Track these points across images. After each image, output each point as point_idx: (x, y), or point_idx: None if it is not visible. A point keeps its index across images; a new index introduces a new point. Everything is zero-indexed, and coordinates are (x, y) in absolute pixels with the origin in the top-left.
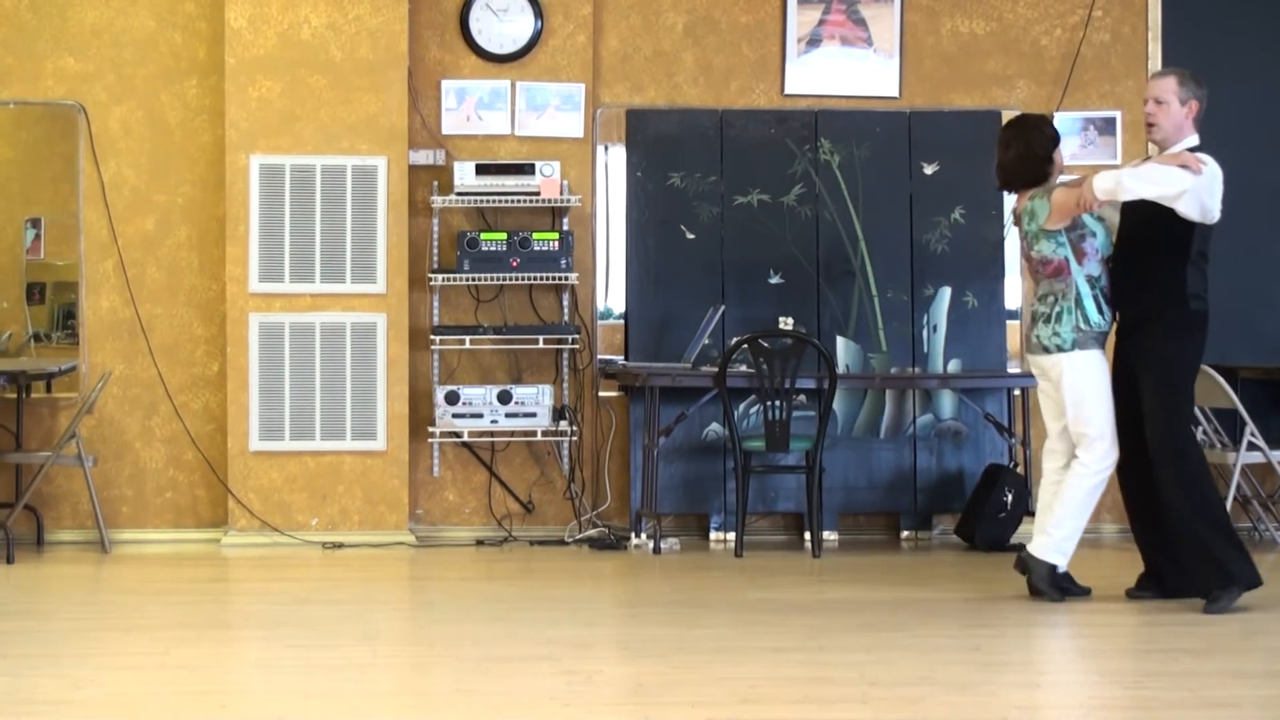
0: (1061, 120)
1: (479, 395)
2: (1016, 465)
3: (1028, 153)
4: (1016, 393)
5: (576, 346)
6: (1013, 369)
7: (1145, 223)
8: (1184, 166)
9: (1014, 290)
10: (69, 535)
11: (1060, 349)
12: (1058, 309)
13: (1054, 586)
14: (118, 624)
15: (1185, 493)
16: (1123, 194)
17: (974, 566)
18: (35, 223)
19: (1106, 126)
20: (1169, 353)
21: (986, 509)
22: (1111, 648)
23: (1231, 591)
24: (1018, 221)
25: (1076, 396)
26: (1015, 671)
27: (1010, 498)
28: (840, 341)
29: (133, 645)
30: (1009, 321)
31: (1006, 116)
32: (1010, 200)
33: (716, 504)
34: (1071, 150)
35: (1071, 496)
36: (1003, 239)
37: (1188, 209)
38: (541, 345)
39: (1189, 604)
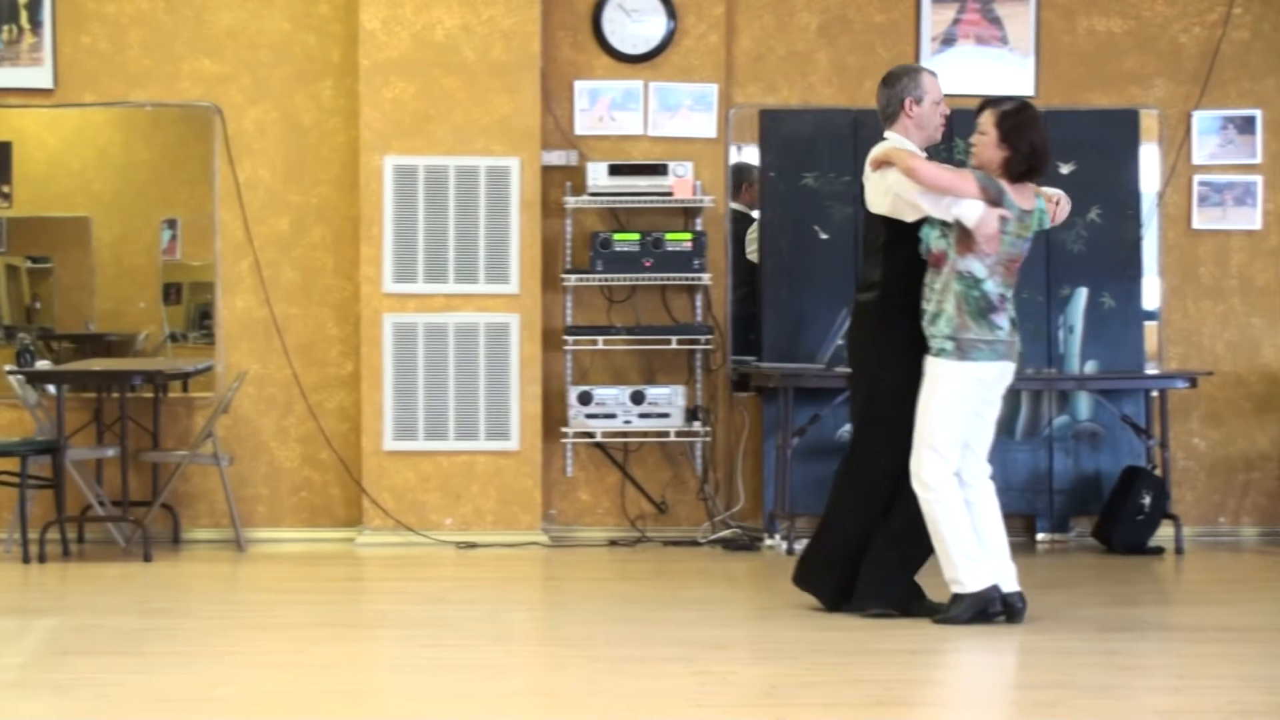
0: (1200, 119)
1: (612, 395)
2: (1155, 467)
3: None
4: (1154, 394)
5: (710, 347)
6: (1150, 370)
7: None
8: None
9: (1152, 291)
10: (205, 534)
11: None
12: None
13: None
14: (254, 623)
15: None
16: None
17: (1111, 570)
18: (172, 223)
19: (1246, 125)
20: None
21: (1124, 512)
22: (1252, 653)
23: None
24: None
25: None
26: (1154, 675)
27: (1148, 500)
28: None
29: (269, 644)
30: (1146, 322)
31: (1145, 116)
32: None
33: None
34: (1210, 150)
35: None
36: (1140, 239)
37: None
38: (674, 346)
39: None
